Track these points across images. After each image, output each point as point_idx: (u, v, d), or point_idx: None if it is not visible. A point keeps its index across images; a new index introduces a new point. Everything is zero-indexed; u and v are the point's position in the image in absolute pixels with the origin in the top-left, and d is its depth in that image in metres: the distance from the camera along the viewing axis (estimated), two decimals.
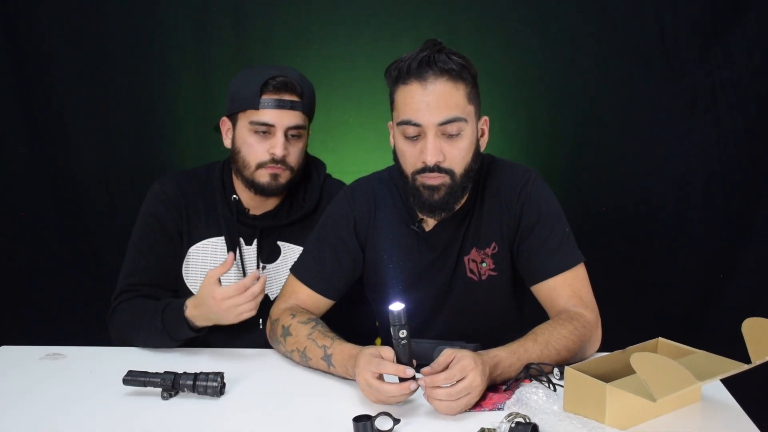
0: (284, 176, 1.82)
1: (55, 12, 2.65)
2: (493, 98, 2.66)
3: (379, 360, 1.39)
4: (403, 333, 1.36)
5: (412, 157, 1.58)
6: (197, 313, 1.68)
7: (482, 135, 1.66)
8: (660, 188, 2.64)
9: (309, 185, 1.93)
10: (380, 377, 1.38)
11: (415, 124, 1.55)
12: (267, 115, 1.77)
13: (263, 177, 1.81)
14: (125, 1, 2.67)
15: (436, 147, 1.54)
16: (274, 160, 1.78)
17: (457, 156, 1.57)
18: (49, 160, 2.73)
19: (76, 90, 2.70)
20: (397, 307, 1.36)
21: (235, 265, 1.86)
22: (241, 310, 1.62)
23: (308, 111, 1.84)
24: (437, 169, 1.56)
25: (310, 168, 1.94)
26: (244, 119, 1.80)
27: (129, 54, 2.69)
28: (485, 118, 1.66)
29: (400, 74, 1.56)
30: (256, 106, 1.77)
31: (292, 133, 1.80)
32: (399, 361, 1.38)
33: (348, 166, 2.40)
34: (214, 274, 1.62)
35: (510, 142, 2.68)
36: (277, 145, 1.78)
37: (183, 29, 2.69)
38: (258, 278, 1.63)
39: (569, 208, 1.73)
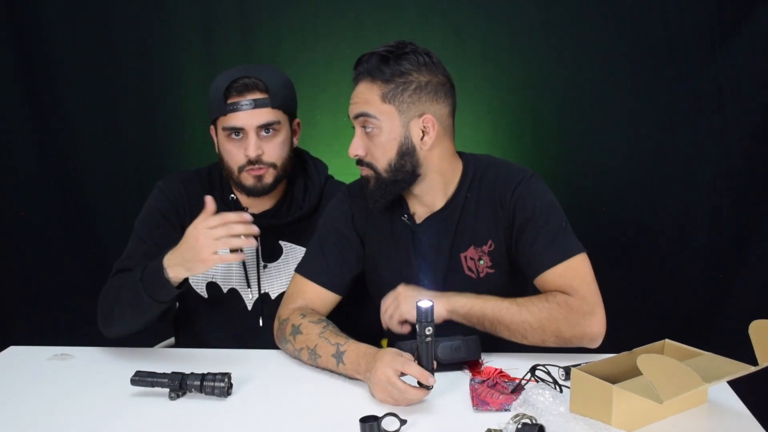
0: (269, 175, 1.82)
1: (62, 12, 2.66)
2: (499, 100, 2.67)
3: (404, 359, 1.40)
4: (429, 330, 1.37)
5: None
6: (174, 253, 1.60)
7: (425, 134, 1.65)
8: (666, 191, 2.63)
9: (310, 185, 1.93)
10: (401, 375, 1.39)
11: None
12: (234, 119, 1.77)
13: (248, 180, 1.82)
14: (132, 1, 2.68)
15: (357, 143, 1.68)
16: (250, 162, 1.79)
17: (374, 150, 1.66)
18: (56, 160, 2.74)
19: (83, 90, 2.71)
20: (425, 303, 1.37)
21: (236, 264, 1.88)
22: (215, 245, 1.53)
23: (281, 104, 1.81)
24: (360, 162, 1.69)
25: (310, 168, 1.95)
26: (219, 126, 1.82)
27: (135, 54, 2.70)
28: (428, 116, 1.65)
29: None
30: (224, 112, 1.78)
31: (265, 130, 1.79)
32: (420, 360, 1.39)
33: (354, 168, 2.39)
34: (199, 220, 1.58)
35: (516, 144, 2.69)
36: (249, 146, 1.78)
37: (190, 30, 2.69)
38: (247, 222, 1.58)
39: (574, 209, 1.74)
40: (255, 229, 1.60)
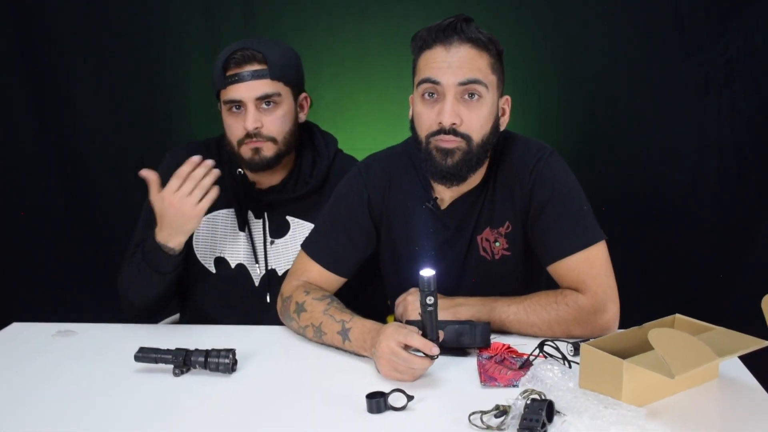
0: (267, 148, 1.79)
1: None
2: (504, 76, 2.63)
3: (407, 331, 1.38)
4: (430, 300, 1.35)
5: (428, 119, 1.56)
6: (164, 230, 1.70)
7: (503, 114, 1.64)
8: (674, 166, 2.61)
9: (318, 159, 1.90)
10: (405, 348, 1.38)
11: (435, 82, 1.53)
12: (233, 91, 1.76)
13: (246, 153, 1.80)
14: None
15: (454, 109, 1.53)
16: (248, 135, 1.77)
17: (475, 122, 1.55)
18: (59, 142, 2.74)
19: (85, 73, 2.69)
20: (427, 272, 1.34)
21: (244, 239, 1.87)
22: (193, 198, 1.64)
23: (281, 76, 1.78)
24: (453, 132, 1.54)
25: (319, 142, 1.92)
26: (221, 101, 1.81)
27: (138, 36, 2.68)
28: (507, 97, 1.64)
29: (426, 41, 1.56)
30: (223, 85, 1.77)
31: (265, 103, 1.77)
32: (424, 329, 1.37)
33: (357, 143, 2.37)
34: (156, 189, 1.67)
35: (521, 120, 2.63)
36: (247, 119, 1.76)
37: (192, 9, 2.66)
38: (198, 163, 1.66)
39: (581, 186, 1.70)
40: (210, 162, 1.67)
